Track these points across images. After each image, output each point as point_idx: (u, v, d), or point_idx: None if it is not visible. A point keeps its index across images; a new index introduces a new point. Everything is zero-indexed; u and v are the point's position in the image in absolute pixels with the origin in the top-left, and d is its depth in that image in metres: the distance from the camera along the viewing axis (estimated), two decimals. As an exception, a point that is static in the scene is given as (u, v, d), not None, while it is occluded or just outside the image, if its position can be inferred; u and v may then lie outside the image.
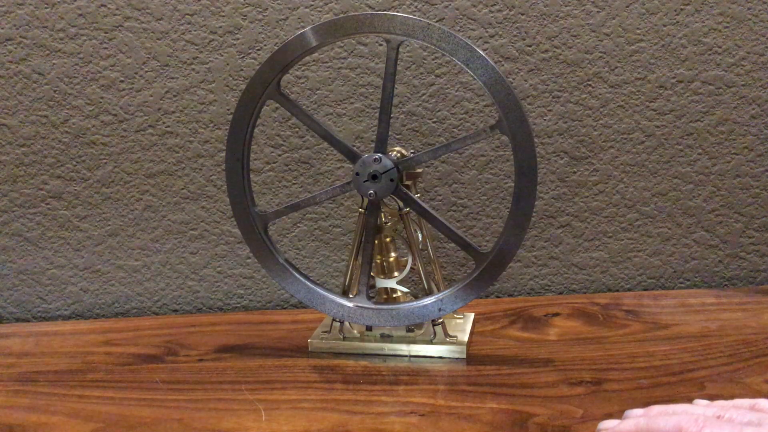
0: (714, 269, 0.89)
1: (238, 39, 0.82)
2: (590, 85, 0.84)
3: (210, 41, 0.82)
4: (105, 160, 0.85)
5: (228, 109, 0.83)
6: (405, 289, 0.72)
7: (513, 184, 0.70)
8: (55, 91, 0.83)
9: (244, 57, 0.83)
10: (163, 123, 0.84)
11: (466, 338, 0.70)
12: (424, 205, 0.68)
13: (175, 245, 0.87)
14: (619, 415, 0.55)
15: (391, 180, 0.66)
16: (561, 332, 0.74)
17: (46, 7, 0.81)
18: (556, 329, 0.75)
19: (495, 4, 0.82)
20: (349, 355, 0.70)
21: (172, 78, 0.83)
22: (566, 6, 0.82)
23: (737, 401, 0.48)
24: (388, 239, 0.71)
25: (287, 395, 0.62)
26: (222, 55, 0.83)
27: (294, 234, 0.87)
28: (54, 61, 0.82)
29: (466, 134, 0.68)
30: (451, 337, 0.70)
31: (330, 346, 0.71)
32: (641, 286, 0.89)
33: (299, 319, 0.80)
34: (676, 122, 0.85)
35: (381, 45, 0.83)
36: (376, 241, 0.70)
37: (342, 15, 0.80)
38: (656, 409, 0.48)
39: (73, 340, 0.77)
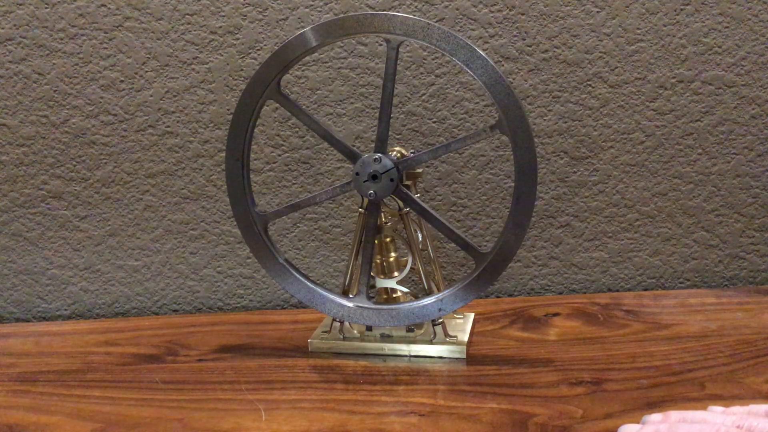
0: (714, 269, 0.89)
1: (238, 39, 0.82)
2: (590, 85, 0.84)
3: (210, 41, 0.82)
4: (105, 160, 0.85)
5: (228, 109, 0.83)
6: (405, 289, 0.72)
7: (513, 184, 0.70)
8: (55, 91, 0.83)
9: (244, 57, 0.83)
10: (163, 123, 0.84)
11: (466, 338, 0.70)
12: (424, 205, 0.68)
13: (175, 245, 0.87)
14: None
15: (391, 180, 0.66)
16: (561, 332, 0.74)
17: (46, 7, 0.81)
18: (556, 329, 0.75)
19: (495, 4, 0.82)
20: (349, 355, 0.70)
21: (172, 78, 0.83)
22: (566, 6, 0.82)
23: (752, 408, 0.47)
24: (388, 239, 0.71)
25: (287, 395, 0.62)
26: (222, 55, 0.83)
27: (294, 234, 0.87)
28: (54, 61, 0.82)
29: (466, 134, 0.68)
30: (451, 337, 0.70)
31: (330, 346, 0.71)
32: (641, 286, 0.89)
33: (299, 319, 0.80)
34: (676, 122, 0.85)
35: (381, 45, 0.83)
36: (376, 241, 0.70)
37: (342, 15, 0.80)
38: (674, 415, 0.48)
39: (73, 340, 0.77)
